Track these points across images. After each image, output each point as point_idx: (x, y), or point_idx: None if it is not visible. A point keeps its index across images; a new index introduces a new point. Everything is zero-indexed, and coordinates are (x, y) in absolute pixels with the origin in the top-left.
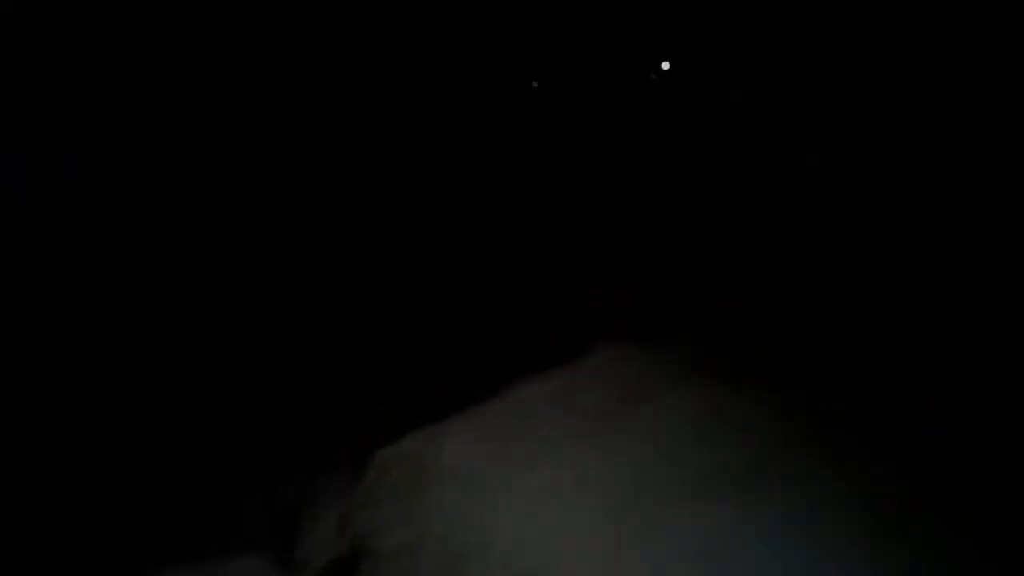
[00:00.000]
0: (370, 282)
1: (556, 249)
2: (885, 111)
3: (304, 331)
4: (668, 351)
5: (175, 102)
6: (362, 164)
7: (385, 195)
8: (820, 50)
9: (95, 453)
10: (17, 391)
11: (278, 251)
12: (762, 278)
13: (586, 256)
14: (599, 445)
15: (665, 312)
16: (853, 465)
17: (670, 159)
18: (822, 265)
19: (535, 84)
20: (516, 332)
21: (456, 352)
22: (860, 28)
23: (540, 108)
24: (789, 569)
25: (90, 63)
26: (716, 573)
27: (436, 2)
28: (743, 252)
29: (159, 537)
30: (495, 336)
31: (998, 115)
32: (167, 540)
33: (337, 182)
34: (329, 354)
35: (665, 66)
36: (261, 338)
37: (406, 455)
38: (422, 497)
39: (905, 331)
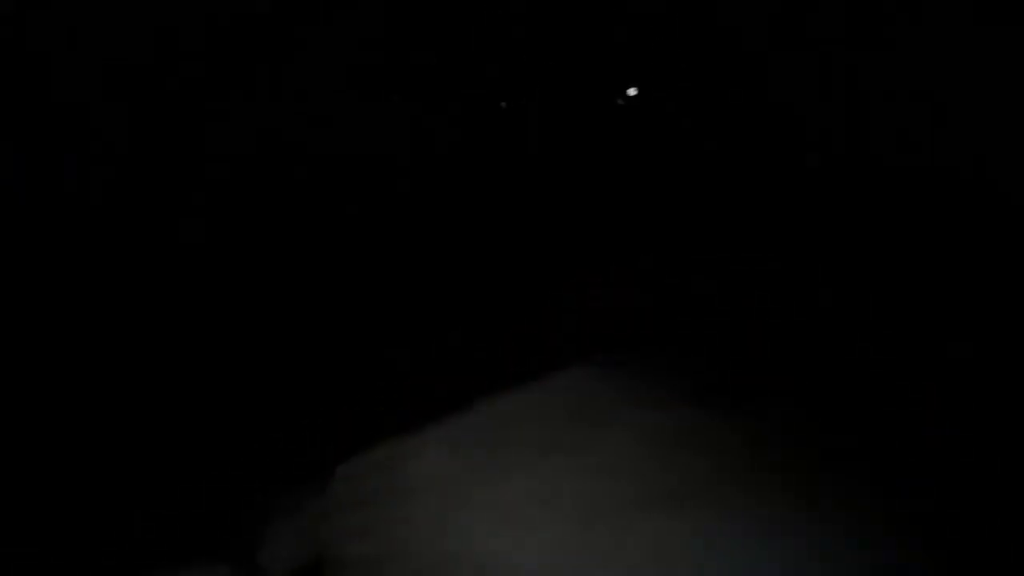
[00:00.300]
0: (370, 282)
1: (556, 249)
2: (885, 111)
3: (303, 331)
4: (641, 366)
5: (175, 102)
6: (362, 164)
7: (385, 195)
8: (820, 50)
9: (70, 457)
10: (17, 391)
11: (278, 251)
12: (762, 278)
13: (586, 256)
14: (569, 459)
15: (665, 312)
16: (820, 475)
17: (670, 159)
18: (822, 265)
19: (503, 105)
20: (516, 332)
21: (456, 352)
22: (860, 28)
23: (540, 109)
24: (750, 571)
25: (90, 63)
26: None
27: (436, 2)
28: (743, 252)
29: (118, 547)
30: (495, 336)
31: (998, 115)
32: (128, 549)
33: (337, 182)
34: (328, 354)
35: (632, 92)
36: (260, 338)
37: (373, 466)
38: (389, 508)
39: (905, 331)
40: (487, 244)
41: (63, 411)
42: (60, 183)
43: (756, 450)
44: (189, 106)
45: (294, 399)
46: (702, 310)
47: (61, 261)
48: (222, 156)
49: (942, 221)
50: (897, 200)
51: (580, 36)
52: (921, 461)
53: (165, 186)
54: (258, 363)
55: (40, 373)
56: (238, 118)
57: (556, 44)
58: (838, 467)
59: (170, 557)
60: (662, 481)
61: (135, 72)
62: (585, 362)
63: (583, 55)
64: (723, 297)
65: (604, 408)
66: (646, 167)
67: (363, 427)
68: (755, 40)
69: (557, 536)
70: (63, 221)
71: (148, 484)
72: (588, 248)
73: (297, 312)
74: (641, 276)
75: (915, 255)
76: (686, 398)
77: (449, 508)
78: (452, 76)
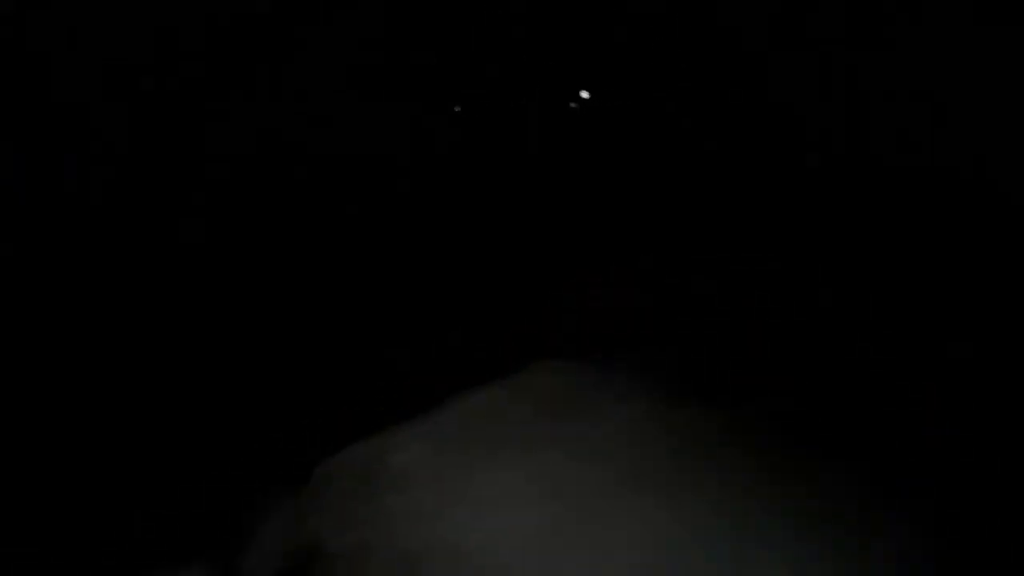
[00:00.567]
0: (370, 282)
1: (556, 249)
2: (885, 111)
3: (303, 330)
4: (619, 360)
5: (175, 102)
6: (362, 164)
7: (385, 195)
8: (820, 50)
9: (63, 456)
10: (16, 391)
11: (278, 251)
12: (762, 278)
13: (586, 256)
14: (548, 449)
15: (665, 312)
16: (788, 459)
17: (670, 159)
18: (822, 265)
19: (457, 109)
20: (516, 332)
21: (456, 352)
22: (860, 28)
23: (540, 109)
24: (716, 550)
25: (90, 63)
26: (654, 557)
27: (436, 2)
28: (743, 252)
29: (105, 546)
30: (495, 336)
31: (998, 115)
32: (113, 548)
33: (337, 182)
34: (328, 354)
35: (585, 95)
36: (259, 337)
37: (351, 462)
38: (370, 502)
39: (905, 331)
40: (487, 244)
41: (60, 409)
42: (60, 183)
43: (736, 440)
44: (189, 106)
45: (289, 398)
46: (702, 310)
47: (61, 261)
48: (222, 156)
49: (942, 221)
50: (897, 200)
51: (580, 36)
52: (920, 460)
53: (165, 186)
54: (256, 362)
55: (39, 372)
56: (238, 118)
57: (556, 44)
58: (831, 464)
59: (157, 556)
60: (640, 468)
61: (135, 72)
62: (563, 356)
63: (582, 55)
64: (723, 297)
65: (582, 400)
66: (645, 168)
67: (350, 424)
68: (755, 40)
69: (538, 524)
70: (63, 221)
71: (136, 483)
72: (588, 248)
73: (297, 312)
74: (641, 276)
75: (915, 255)
76: (666, 390)
77: (432, 499)
78: (452, 76)
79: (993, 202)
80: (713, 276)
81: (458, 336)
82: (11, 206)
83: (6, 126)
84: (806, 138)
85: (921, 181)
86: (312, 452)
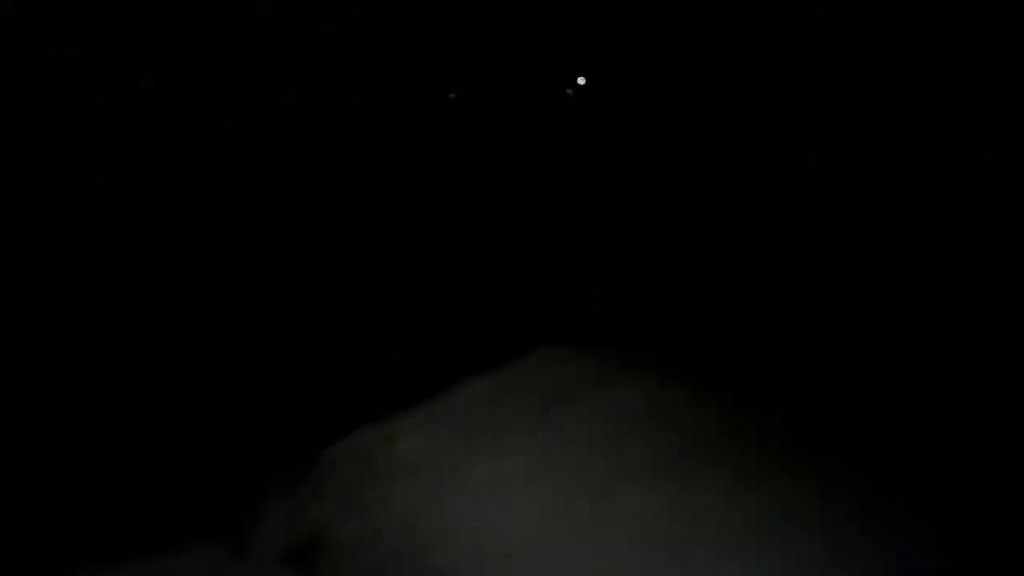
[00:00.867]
0: (370, 282)
1: (556, 249)
2: (885, 111)
3: (303, 330)
4: (614, 352)
5: (175, 102)
6: (362, 164)
7: (385, 195)
8: (820, 50)
9: (68, 448)
10: (16, 391)
11: (278, 251)
12: (762, 278)
13: (586, 256)
14: (547, 436)
15: (665, 312)
16: (786, 454)
17: (670, 159)
18: (822, 265)
19: (452, 96)
20: (516, 332)
21: (456, 352)
22: (860, 28)
23: (540, 109)
24: (718, 539)
25: (90, 63)
26: (657, 544)
27: (436, 2)
28: (743, 252)
29: (116, 528)
30: (495, 336)
31: (998, 115)
32: (123, 531)
33: (337, 182)
34: (327, 353)
35: (581, 81)
36: (260, 337)
37: (357, 449)
38: (375, 488)
39: (905, 331)
40: (487, 244)
41: (63, 406)
42: (60, 183)
43: (735, 437)
44: (189, 106)
45: (293, 391)
46: (702, 310)
47: (61, 261)
48: (222, 156)
49: (942, 221)
50: (897, 200)
51: (580, 36)
52: (920, 460)
53: (165, 186)
54: (256, 359)
55: (40, 371)
56: (238, 118)
57: (556, 44)
58: (831, 464)
59: (166, 538)
60: (638, 456)
61: (135, 72)
62: (560, 347)
63: (582, 55)
64: (723, 297)
65: (579, 388)
66: (646, 167)
67: (353, 414)
68: (755, 40)
69: (540, 510)
70: (63, 221)
71: (152, 469)
72: (588, 248)
73: (297, 311)
74: (641, 276)
75: (915, 255)
76: (667, 384)
77: (437, 486)
78: (452, 76)
79: (993, 202)
80: (713, 276)
81: (458, 335)
82: (11, 206)
83: (6, 126)
84: (806, 138)
85: (921, 181)
86: (317, 440)
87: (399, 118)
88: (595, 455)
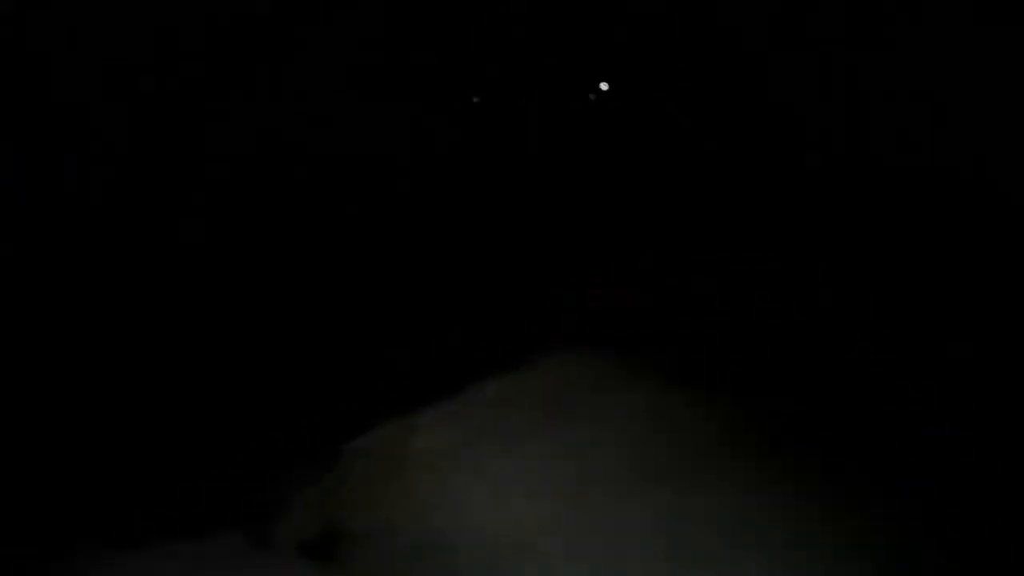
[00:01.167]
0: (370, 282)
1: (556, 249)
2: (885, 111)
3: (303, 330)
4: (629, 353)
5: (175, 102)
6: (362, 164)
7: (385, 195)
8: (820, 50)
9: (85, 443)
10: (16, 391)
11: (278, 251)
12: (762, 278)
13: (586, 256)
14: (558, 437)
15: (665, 312)
16: (787, 455)
17: (670, 159)
18: (822, 265)
19: (475, 100)
20: (516, 332)
21: (456, 352)
22: (860, 28)
23: (540, 109)
24: (727, 539)
25: (90, 63)
26: (668, 542)
27: (436, 2)
28: (743, 252)
29: (139, 515)
30: (495, 336)
31: (998, 115)
32: (146, 518)
33: (337, 182)
34: (328, 353)
35: (604, 87)
36: (260, 337)
37: (376, 444)
38: (394, 482)
39: (905, 331)
40: (487, 244)
41: (79, 400)
42: (60, 183)
43: (732, 431)
44: (189, 106)
45: (307, 389)
46: (702, 310)
47: (61, 261)
48: (222, 156)
49: (942, 221)
50: (897, 200)
51: (580, 36)
52: (920, 460)
53: (165, 186)
54: (256, 361)
55: (41, 371)
56: (238, 118)
57: (556, 44)
58: (831, 463)
59: (189, 526)
60: (649, 457)
61: (135, 72)
62: (573, 349)
63: (581, 55)
64: (723, 297)
65: (591, 390)
66: (645, 167)
67: (366, 415)
68: (755, 40)
69: (551, 506)
70: (63, 221)
71: (172, 462)
72: (588, 248)
73: (297, 312)
74: (641, 276)
75: (915, 255)
76: (670, 383)
77: (455, 482)
78: (452, 76)
79: (993, 202)
80: (713, 276)
81: (458, 335)
82: (11, 206)
83: (6, 126)
84: (806, 138)
85: (921, 181)
86: (337, 435)
87: (399, 118)
88: (605, 456)
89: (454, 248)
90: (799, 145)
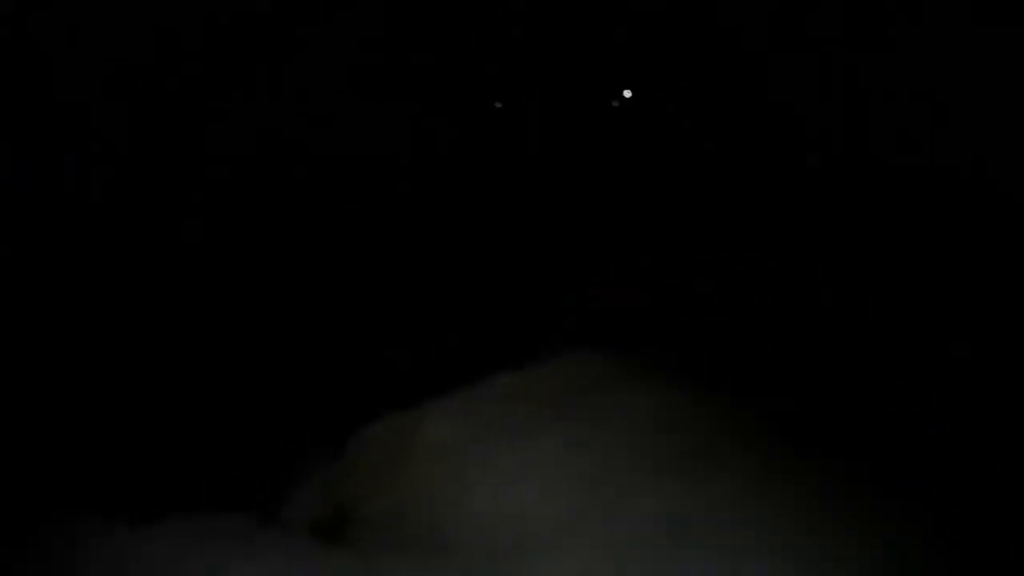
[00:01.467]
0: (370, 282)
1: (556, 249)
2: (885, 111)
3: (304, 330)
4: (631, 354)
5: (175, 102)
6: (362, 164)
7: (385, 195)
8: (820, 50)
9: (93, 434)
10: (16, 390)
11: (278, 251)
12: (762, 278)
13: (586, 256)
14: (566, 430)
15: (665, 312)
16: (787, 454)
17: (670, 159)
18: (822, 265)
19: (498, 105)
20: (516, 332)
21: (456, 352)
22: (860, 28)
23: (540, 110)
24: (731, 529)
25: (90, 63)
26: (676, 531)
27: (436, 2)
28: (743, 252)
29: (161, 496)
30: (495, 336)
31: (998, 115)
32: (166, 499)
33: (337, 182)
34: (328, 353)
35: (627, 94)
36: (261, 337)
37: (387, 432)
38: (403, 469)
39: (905, 331)
40: (487, 244)
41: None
42: (60, 183)
43: (733, 431)
44: (189, 106)
45: (316, 390)
46: (702, 310)
47: (61, 261)
48: (222, 156)
49: (942, 221)
50: (897, 200)
51: (580, 36)
52: (921, 460)
53: (165, 186)
54: (261, 357)
55: (40, 372)
56: (238, 118)
57: (556, 44)
58: (831, 463)
59: (207, 505)
60: (652, 452)
61: (135, 72)
62: (582, 348)
63: (582, 55)
64: (723, 297)
65: (597, 388)
66: (646, 167)
67: (374, 406)
68: (755, 40)
69: (558, 496)
70: (63, 221)
71: (194, 450)
72: (588, 248)
73: (297, 312)
74: (641, 276)
75: (915, 255)
76: (672, 383)
77: (463, 470)
78: (452, 76)
79: (993, 202)
80: (713, 276)
81: (458, 336)
82: (11, 206)
83: (6, 126)
84: (806, 138)
85: (921, 181)
86: (349, 424)
87: (399, 118)
88: (610, 451)
89: (454, 248)
90: (799, 145)
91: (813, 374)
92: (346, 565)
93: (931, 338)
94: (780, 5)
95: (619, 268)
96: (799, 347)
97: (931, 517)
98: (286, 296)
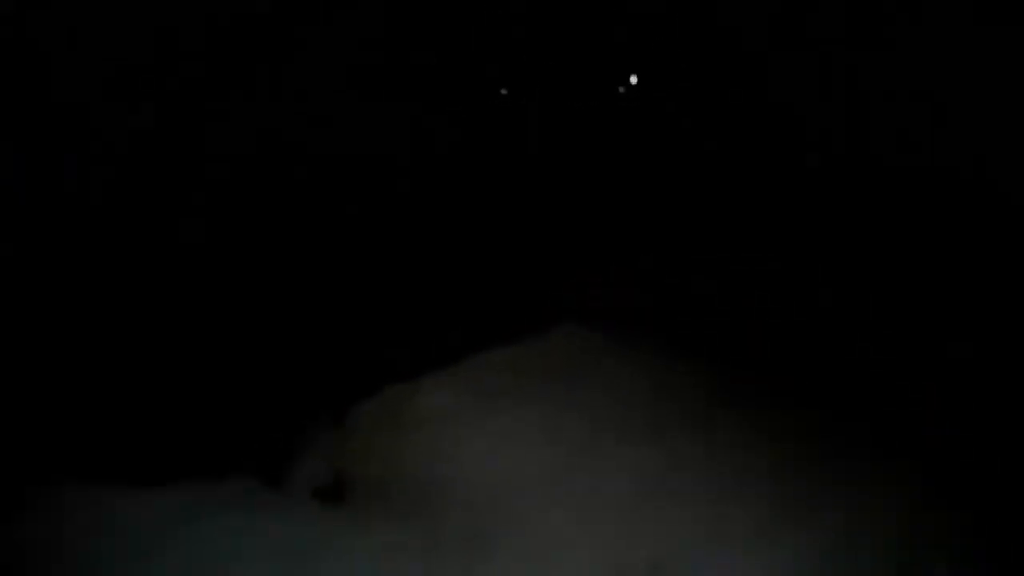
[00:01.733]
0: (370, 282)
1: (556, 249)
2: (885, 111)
3: (304, 330)
4: (623, 333)
5: (175, 102)
6: (362, 164)
7: (385, 195)
8: (820, 50)
9: (94, 404)
10: (17, 390)
11: (278, 251)
12: (762, 278)
13: (586, 256)
14: (557, 398)
15: (665, 312)
16: (787, 454)
17: (670, 159)
18: (822, 265)
19: (504, 91)
20: (516, 332)
21: (456, 352)
22: (860, 28)
23: (540, 109)
24: (709, 485)
25: (90, 63)
26: (660, 487)
27: (436, 2)
28: (743, 252)
29: (159, 462)
30: (495, 336)
31: (998, 115)
32: (166, 465)
33: (337, 182)
34: (328, 353)
35: (634, 80)
36: (261, 337)
37: (385, 403)
38: (399, 438)
39: (905, 331)
40: (487, 244)
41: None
42: (60, 183)
43: (737, 435)
44: (189, 106)
45: (315, 389)
46: (702, 310)
47: (61, 261)
48: (222, 156)
49: (942, 221)
50: (897, 200)
51: (580, 36)
52: (920, 460)
53: (165, 186)
54: (275, 357)
55: (40, 372)
56: (238, 118)
57: (556, 44)
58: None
59: (211, 471)
60: (640, 419)
61: (135, 72)
62: (561, 330)
63: (582, 55)
64: (723, 297)
65: (592, 361)
66: (646, 167)
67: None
68: (755, 40)
69: (548, 462)
70: (63, 221)
71: (199, 422)
72: (588, 248)
73: (297, 312)
74: (641, 276)
75: (915, 255)
76: (670, 358)
77: (452, 438)
78: (452, 76)
79: (993, 202)
80: (713, 276)
81: (458, 336)
82: (11, 206)
83: (6, 126)
84: (806, 138)
85: (921, 181)
86: (349, 396)
87: (399, 118)
88: (601, 419)
89: (454, 248)
90: (799, 145)
91: (813, 373)
92: (343, 527)
93: (931, 338)
94: (780, 5)
95: (619, 268)
96: (799, 347)
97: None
98: (286, 293)
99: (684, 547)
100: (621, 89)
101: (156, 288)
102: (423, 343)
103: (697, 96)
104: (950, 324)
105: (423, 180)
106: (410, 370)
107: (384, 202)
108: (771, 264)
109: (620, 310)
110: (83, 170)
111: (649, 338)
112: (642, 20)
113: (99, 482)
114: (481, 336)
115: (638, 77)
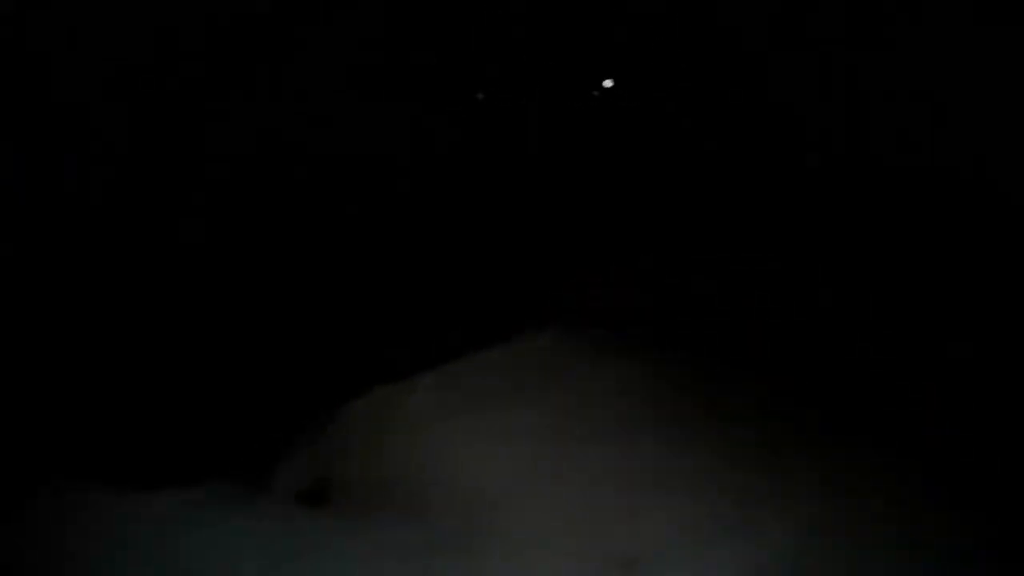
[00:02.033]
0: (370, 282)
1: (556, 249)
2: (885, 111)
3: (303, 330)
4: (623, 333)
5: (175, 102)
6: (362, 164)
7: (385, 195)
8: (820, 50)
9: (84, 406)
10: (17, 390)
11: (278, 251)
12: (762, 278)
13: (586, 256)
14: (548, 399)
15: (665, 312)
16: (786, 453)
17: (670, 159)
18: (822, 265)
19: (480, 96)
20: (515, 332)
21: (456, 352)
22: (860, 28)
23: (540, 109)
24: (690, 481)
25: (90, 63)
26: (644, 482)
27: (436, 2)
28: (743, 252)
29: (147, 463)
30: (495, 336)
31: (998, 115)
32: (153, 466)
33: (337, 182)
34: (328, 353)
35: (608, 83)
36: (261, 337)
37: (373, 404)
38: (386, 440)
39: (905, 331)
40: (487, 244)
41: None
42: (60, 183)
43: (734, 432)
44: (189, 106)
45: (314, 388)
46: (702, 310)
47: (61, 261)
48: (222, 156)
49: (942, 221)
50: (897, 200)
51: (580, 36)
52: (920, 460)
53: (165, 186)
54: (275, 357)
55: (40, 372)
56: (238, 118)
57: (556, 44)
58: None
59: (194, 473)
60: (622, 417)
61: (135, 72)
62: (544, 331)
63: (582, 55)
64: (723, 297)
65: (581, 361)
66: (645, 166)
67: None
68: (755, 40)
69: (537, 463)
70: (63, 221)
71: (183, 423)
72: (588, 248)
73: (296, 312)
74: (641, 276)
75: (915, 255)
76: (667, 359)
77: (441, 440)
78: (452, 76)
79: (993, 202)
80: (713, 276)
81: (458, 336)
82: (11, 206)
83: (6, 126)
84: (806, 138)
85: (921, 181)
86: (336, 399)
87: (399, 118)
88: (580, 416)
89: (454, 248)
90: (799, 145)
91: (812, 373)
92: (330, 528)
93: (931, 338)
94: (780, 5)
95: (619, 268)
96: (799, 347)
97: (931, 519)
98: (286, 293)
99: (684, 547)
100: (595, 93)
101: (156, 288)
102: (421, 343)
103: (697, 96)
104: (950, 324)
105: (423, 180)
106: (405, 371)
107: (384, 202)
108: (771, 264)
109: (620, 310)
110: (83, 170)
111: (647, 338)
112: (642, 20)
113: (96, 483)
114: (480, 336)
115: (637, 77)
